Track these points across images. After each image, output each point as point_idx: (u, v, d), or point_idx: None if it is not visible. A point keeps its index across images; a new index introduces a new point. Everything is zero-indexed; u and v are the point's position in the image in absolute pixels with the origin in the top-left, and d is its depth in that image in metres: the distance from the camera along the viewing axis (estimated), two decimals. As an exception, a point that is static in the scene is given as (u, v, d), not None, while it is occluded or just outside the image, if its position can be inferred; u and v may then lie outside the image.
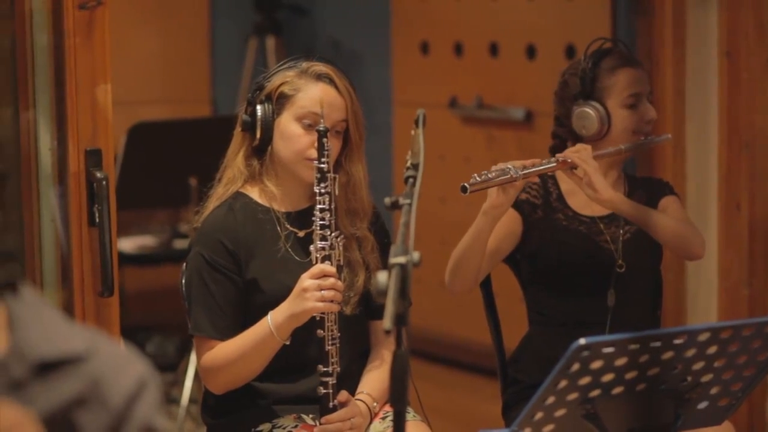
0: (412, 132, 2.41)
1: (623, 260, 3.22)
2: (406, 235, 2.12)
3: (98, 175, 2.93)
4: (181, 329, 3.77)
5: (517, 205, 3.18)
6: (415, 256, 2.08)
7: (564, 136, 3.32)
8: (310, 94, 2.93)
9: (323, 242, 2.87)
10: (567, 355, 2.28)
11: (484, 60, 5.37)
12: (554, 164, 3.10)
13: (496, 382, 3.39)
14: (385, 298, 2.01)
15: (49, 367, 1.58)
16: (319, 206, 2.88)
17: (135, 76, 5.81)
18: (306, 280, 2.82)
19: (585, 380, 2.35)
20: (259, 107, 2.96)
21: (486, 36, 5.35)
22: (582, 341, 2.27)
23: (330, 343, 2.87)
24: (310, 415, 2.94)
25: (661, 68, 4.44)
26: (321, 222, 2.88)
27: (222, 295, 2.91)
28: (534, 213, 3.24)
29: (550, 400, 2.36)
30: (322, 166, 2.87)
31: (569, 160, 3.09)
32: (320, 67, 2.96)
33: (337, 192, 2.91)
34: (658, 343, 2.39)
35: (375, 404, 2.95)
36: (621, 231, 3.25)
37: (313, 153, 2.89)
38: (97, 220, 2.94)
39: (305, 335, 2.87)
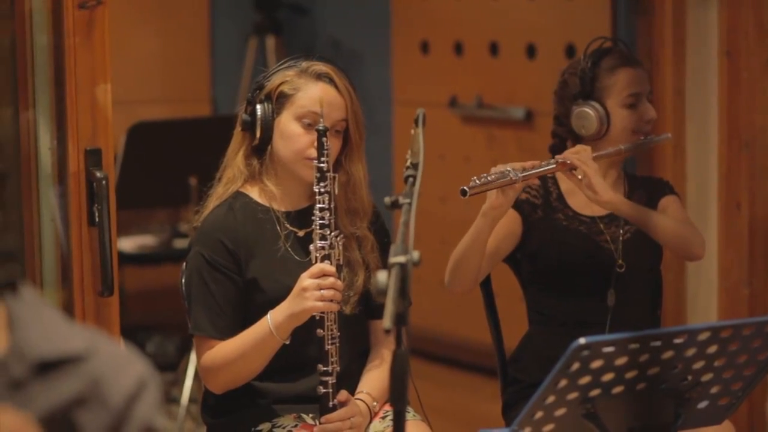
0: (412, 131, 2.41)
1: (623, 260, 3.22)
2: (406, 235, 2.12)
3: (98, 174, 2.93)
4: (181, 329, 3.77)
5: (517, 205, 3.18)
6: (415, 255, 2.08)
7: (564, 135, 3.32)
8: (310, 94, 2.93)
9: (323, 241, 2.87)
10: (567, 354, 2.28)
11: (484, 59, 5.37)
12: (554, 166, 3.10)
13: (496, 381, 3.39)
14: (385, 297, 2.01)
15: (49, 367, 1.58)
16: (318, 205, 2.88)
17: (135, 76, 5.81)
18: (305, 280, 2.82)
19: (585, 379, 2.35)
20: (258, 107, 2.96)
21: (486, 35, 5.35)
22: (582, 341, 2.27)
23: (330, 342, 2.87)
24: (310, 415, 2.94)
25: (661, 68, 4.44)
26: (321, 221, 2.88)
27: (222, 294, 2.91)
28: (534, 213, 3.24)
29: (550, 399, 2.36)
30: (322, 165, 2.87)
31: (569, 162, 3.09)
32: (320, 67, 2.96)
33: (336, 191, 2.91)
34: (658, 343, 2.39)
35: (375, 404, 2.95)
36: (621, 231, 3.25)
37: (313, 152, 2.89)
38: (97, 219, 2.94)
39: (305, 335, 2.87)
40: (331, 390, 2.86)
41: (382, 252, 2.98)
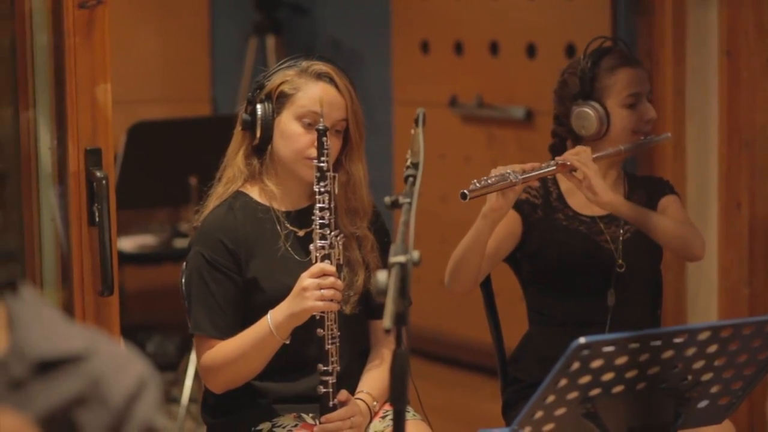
0: (412, 131, 2.41)
1: (623, 260, 3.22)
2: (406, 234, 2.12)
3: (98, 174, 2.93)
4: (181, 328, 3.77)
5: (517, 205, 3.18)
6: (415, 255, 2.08)
7: (564, 135, 3.32)
8: (310, 93, 2.93)
9: (323, 241, 2.87)
10: (567, 353, 2.28)
11: (484, 59, 5.37)
12: (553, 167, 3.09)
13: (496, 381, 3.39)
14: (385, 297, 2.01)
15: (49, 367, 1.58)
16: (318, 205, 2.88)
17: (135, 76, 5.81)
18: (306, 279, 2.82)
19: (585, 379, 2.35)
20: (259, 106, 2.96)
21: (486, 35, 5.35)
22: (582, 340, 2.27)
23: (330, 342, 2.87)
24: (310, 414, 2.94)
25: (661, 68, 4.44)
26: (321, 221, 2.88)
27: (222, 294, 2.91)
28: (534, 213, 3.24)
29: (550, 399, 2.36)
30: (322, 165, 2.87)
31: (568, 163, 3.09)
32: (320, 66, 2.96)
33: (336, 191, 2.91)
34: (658, 342, 2.39)
35: (375, 403, 2.95)
36: (621, 231, 3.24)
37: (313, 152, 2.89)
38: (97, 219, 2.94)
39: (305, 334, 2.87)
40: (331, 390, 2.86)
41: (382, 252, 2.98)
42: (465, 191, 2.93)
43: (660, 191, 3.32)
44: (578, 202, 3.24)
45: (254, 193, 3.00)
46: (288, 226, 2.99)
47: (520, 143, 5.22)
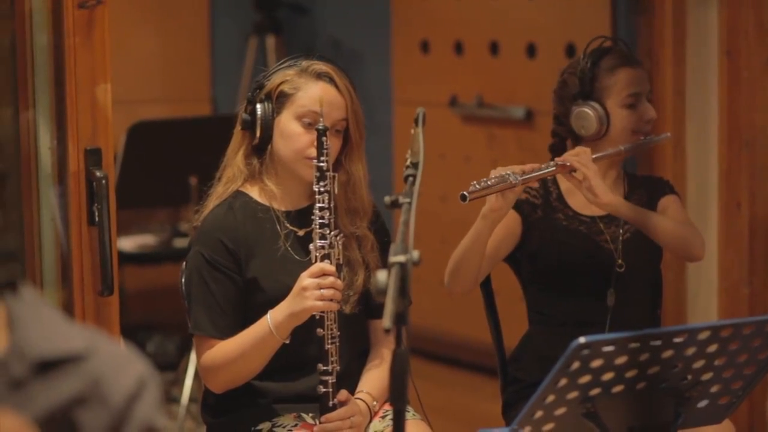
0: (412, 131, 2.41)
1: (623, 260, 3.22)
2: (406, 234, 2.12)
3: (98, 174, 2.93)
4: (181, 328, 3.77)
5: (517, 205, 3.18)
6: (415, 254, 2.08)
7: (563, 134, 3.32)
8: (310, 93, 2.93)
9: (323, 241, 2.87)
10: (567, 353, 2.28)
11: (484, 59, 5.37)
12: (553, 168, 3.09)
13: (496, 380, 3.39)
14: (385, 296, 2.01)
15: (49, 366, 1.58)
16: (318, 205, 2.88)
17: (135, 75, 5.81)
18: (305, 279, 2.82)
19: (585, 379, 2.35)
20: (259, 106, 2.96)
21: (486, 35, 5.35)
22: (582, 340, 2.27)
23: (330, 341, 2.87)
24: (310, 414, 2.94)
25: (661, 67, 4.44)
26: (320, 221, 2.88)
27: (222, 294, 2.91)
28: (534, 213, 3.24)
29: (550, 398, 2.36)
30: (322, 164, 2.87)
31: (568, 164, 3.09)
32: (320, 66, 2.96)
33: (336, 191, 2.91)
34: (658, 342, 2.39)
35: (375, 403, 2.95)
36: (621, 231, 3.24)
37: (313, 152, 2.89)
38: (97, 219, 2.94)
39: (305, 334, 2.87)
40: (331, 389, 2.86)
41: (382, 251, 2.98)
42: (465, 193, 2.92)
43: (660, 191, 3.32)
44: (578, 202, 3.24)
45: (254, 192, 3.00)
46: (288, 225, 2.99)
47: (520, 143, 5.22)
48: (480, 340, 4.69)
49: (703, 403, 2.55)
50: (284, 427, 2.92)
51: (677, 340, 2.39)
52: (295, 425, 2.92)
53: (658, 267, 3.33)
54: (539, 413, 2.38)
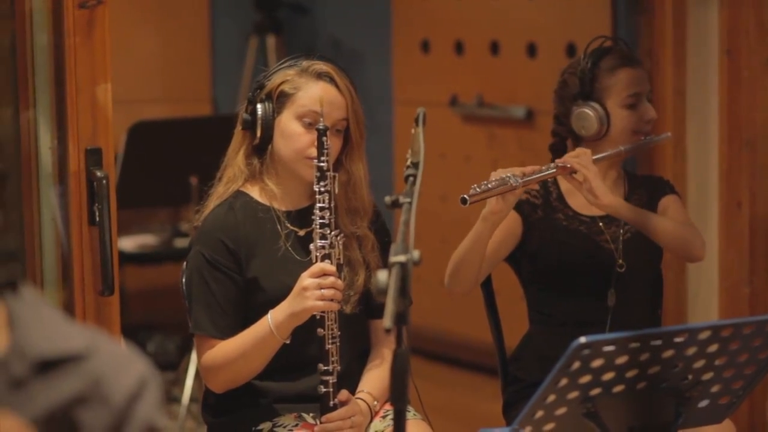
0: (413, 131, 2.41)
1: (623, 260, 3.22)
2: (407, 234, 2.12)
3: (98, 174, 2.93)
4: (181, 328, 3.77)
5: (518, 205, 3.17)
6: (416, 254, 2.08)
7: (564, 134, 3.32)
8: (311, 93, 2.93)
9: (323, 241, 2.87)
10: (567, 353, 2.28)
11: (484, 58, 5.37)
12: (554, 170, 3.09)
13: (496, 380, 3.39)
14: (386, 296, 2.01)
15: (49, 366, 1.58)
16: (319, 205, 2.88)
17: (135, 75, 5.81)
18: (306, 279, 2.82)
19: (585, 378, 2.35)
20: (259, 106, 2.96)
21: (487, 34, 5.35)
22: (582, 339, 2.27)
23: (330, 341, 2.87)
24: (311, 414, 2.94)
25: (662, 67, 4.44)
26: (321, 221, 2.88)
27: (222, 293, 2.91)
28: (534, 213, 3.24)
29: (551, 398, 2.36)
30: (322, 164, 2.87)
31: (569, 166, 3.09)
32: (321, 66, 2.96)
33: (337, 191, 2.91)
34: (658, 342, 2.39)
35: (375, 403, 2.95)
36: (621, 231, 3.24)
37: (313, 152, 2.89)
38: (98, 219, 2.94)
39: (305, 334, 2.87)
40: (331, 389, 2.86)
41: (383, 251, 2.98)
42: (465, 196, 2.92)
43: (660, 191, 3.32)
44: (578, 202, 3.24)
45: (255, 192, 3.00)
46: (288, 225, 2.99)
47: (520, 143, 5.22)
48: (480, 340, 4.69)
49: (703, 403, 2.55)
50: (285, 427, 2.92)
51: (678, 339, 2.39)
52: (296, 425, 2.92)
53: (658, 267, 3.33)
54: (540, 413, 2.38)
